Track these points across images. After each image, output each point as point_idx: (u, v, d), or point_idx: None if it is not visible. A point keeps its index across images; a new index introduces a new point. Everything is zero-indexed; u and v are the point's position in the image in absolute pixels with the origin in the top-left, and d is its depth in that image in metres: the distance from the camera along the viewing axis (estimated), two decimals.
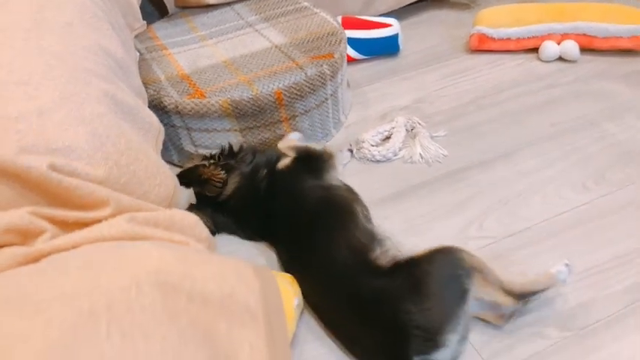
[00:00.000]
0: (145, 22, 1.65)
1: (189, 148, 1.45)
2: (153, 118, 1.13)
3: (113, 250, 0.71)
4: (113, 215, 0.83)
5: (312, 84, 1.39)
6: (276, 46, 1.51)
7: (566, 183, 1.39)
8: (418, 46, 1.99)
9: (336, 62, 1.44)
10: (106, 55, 1.09)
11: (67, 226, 0.81)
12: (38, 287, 0.64)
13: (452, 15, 2.19)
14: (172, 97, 1.34)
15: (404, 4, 2.10)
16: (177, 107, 1.33)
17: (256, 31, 1.60)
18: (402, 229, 1.29)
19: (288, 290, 1.07)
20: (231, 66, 1.44)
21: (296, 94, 1.37)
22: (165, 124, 1.30)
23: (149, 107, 1.24)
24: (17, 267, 0.73)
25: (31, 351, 0.55)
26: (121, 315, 0.58)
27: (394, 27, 1.85)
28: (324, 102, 1.47)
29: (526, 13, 1.85)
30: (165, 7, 1.79)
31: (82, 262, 0.69)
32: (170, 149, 1.49)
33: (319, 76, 1.40)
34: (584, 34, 1.79)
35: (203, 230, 0.90)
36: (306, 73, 1.38)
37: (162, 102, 1.35)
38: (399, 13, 2.09)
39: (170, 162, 1.53)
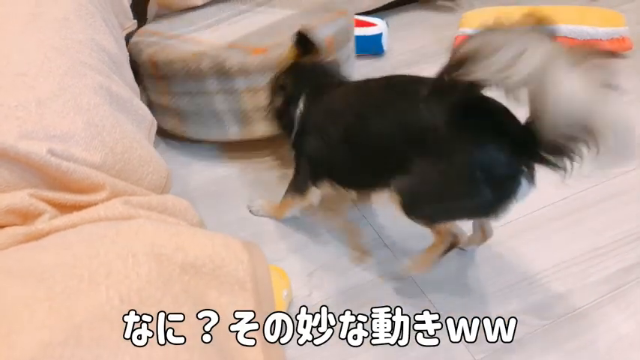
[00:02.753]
0: (135, 20, 1.68)
1: (252, 114, 1.45)
2: (145, 110, 1.17)
3: (110, 226, 0.75)
4: (109, 199, 0.86)
5: (348, 32, 1.43)
6: (292, 16, 1.51)
7: (546, 179, 1.43)
8: (406, 46, 2.04)
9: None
10: (101, 50, 1.13)
11: (65, 208, 0.85)
12: (40, 260, 0.67)
13: (439, 17, 2.23)
14: (234, 58, 1.35)
15: (383, 3, 2.15)
16: (243, 66, 1.34)
17: (259, 12, 1.60)
18: (391, 223, 1.33)
19: (279, 282, 1.11)
20: (269, 31, 1.45)
21: (341, 40, 1.40)
22: (224, 92, 1.32)
23: (198, 80, 1.30)
24: (18, 245, 0.76)
25: (35, 316, 0.59)
26: (119, 281, 0.62)
27: (379, 27, 1.90)
28: (349, 57, 1.51)
29: (508, 16, 1.89)
30: (146, 13, 1.81)
31: (81, 237, 0.73)
32: (226, 124, 1.48)
33: (349, 26, 1.44)
34: (564, 37, 1.84)
35: (195, 215, 0.94)
36: (345, 21, 1.41)
37: (224, 66, 1.34)
38: (387, 15, 2.13)
39: (226, 142, 1.57)
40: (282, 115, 1.30)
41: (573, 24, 1.82)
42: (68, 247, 0.69)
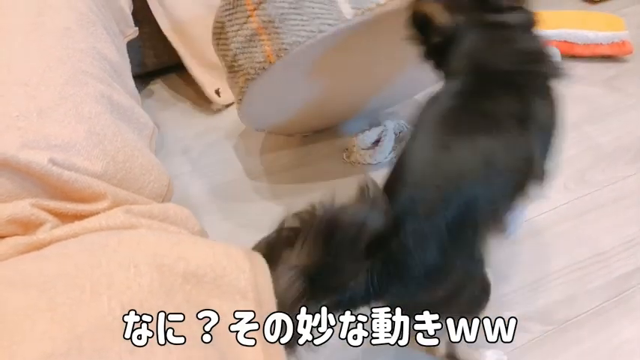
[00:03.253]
0: (136, 27, 1.69)
1: None
2: (146, 118, 1.18)
3: (112, 235, 0.75)
4: (110, 208, 0.86)
5: None
6: None
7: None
8: None
9: None
10: (102, 59, 1.14)
11: (66, 217, 0.85)
12: (41, 270, 0.67)
13: None
14: None
15: None
16: None
17: None
18: None
19: None
20: None
21: None
22: None
23: None
24: (20, 255, 0.77)
25: (37, 327, 0.59)
26: (121, 292, 0.62)
27: None
28: None
29: None
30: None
31: (83, 246, 0.73)
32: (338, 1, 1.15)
33: None
34: (565, 41, 1.85)
35: (196, 223, 0.94)
36: None
37: None
38: None
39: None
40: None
41: (575, 29, 1.82)
42: (70, 257, 0.69)
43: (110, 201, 0.87)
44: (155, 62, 2.00)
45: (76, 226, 0.81)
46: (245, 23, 1.25)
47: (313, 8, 1.16)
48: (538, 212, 1.35)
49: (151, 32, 1.87)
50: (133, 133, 1.05)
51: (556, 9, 1.93)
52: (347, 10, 1.13)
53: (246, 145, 1.70)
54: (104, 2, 1.42)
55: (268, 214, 1.41)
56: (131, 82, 1.30)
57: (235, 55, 1.29)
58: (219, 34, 1.34)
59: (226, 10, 1.28)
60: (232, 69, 1.32)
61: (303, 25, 1.17)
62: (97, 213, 0.85)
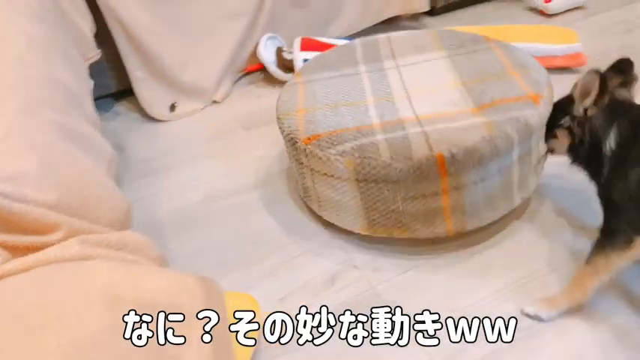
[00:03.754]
0: (99, 50, 1.67)
1: (536, 166, 1.36)
2: (105, 144, 1.16)
3: (64, 268, 0.74)
4: (65, 238, 0.85)
5: None
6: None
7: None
8: None
9: None
10: (58, 85, 1.12)
11: (19, 250, 0.83)
12: None
13: None
14: (528, 112, 1.26)
15: (361, 28, 2.20)
16: (540, 117, 1.27)
17: (402, 67, 1.50)
18: (360, 244, 1.34)
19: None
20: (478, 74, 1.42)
21: None
22: (523, 154, 1.26)
23: None
24: None
25: None
26: (71, 326, 0.61)
27: None
28: None
29: None
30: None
31: (33, 282, 0.72)
32: (513, 192, 1.32)
33: None
34: None
35: (153, 250, 0.93)
36: None
37: (527, 123, 1.23)
38: (359, 36, 2.16)
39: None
40: (580, 155, 1.20)
41: (529, 42, 1.87)
42: (19, 294, 0.68)
43: (65, 231, 0.86)
44: (120, 84, 1.99)
45: (29, 259, 0.79)
46: (432, 194, 1.24)
47: (498, 198, 1.30)
48: None
49: (116, 54, 1.86)
50: (90, 161, 1.04)
51: (512, 23, 1.98)
52: (517, 198, 1.33)
53: (212, 166, 1.70)
54: (61, 26, 1.41)
55: (234, 237, 1.44)
56: (90, 107, 1.29)
57: (401, 210, 1.26)
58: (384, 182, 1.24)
59: (408, 170, 1.20)
60: (389, 215, 1.29)
61: (488, 211, 1.30)
62: (52, 244, 0.84)
